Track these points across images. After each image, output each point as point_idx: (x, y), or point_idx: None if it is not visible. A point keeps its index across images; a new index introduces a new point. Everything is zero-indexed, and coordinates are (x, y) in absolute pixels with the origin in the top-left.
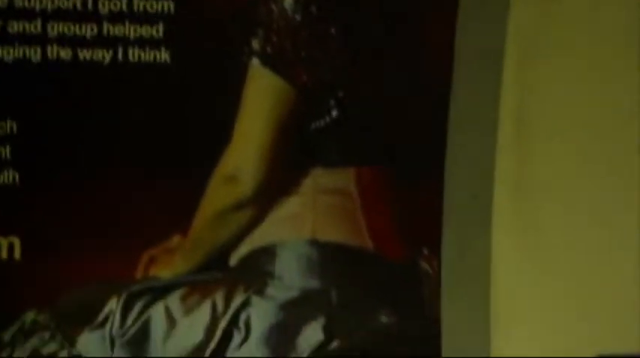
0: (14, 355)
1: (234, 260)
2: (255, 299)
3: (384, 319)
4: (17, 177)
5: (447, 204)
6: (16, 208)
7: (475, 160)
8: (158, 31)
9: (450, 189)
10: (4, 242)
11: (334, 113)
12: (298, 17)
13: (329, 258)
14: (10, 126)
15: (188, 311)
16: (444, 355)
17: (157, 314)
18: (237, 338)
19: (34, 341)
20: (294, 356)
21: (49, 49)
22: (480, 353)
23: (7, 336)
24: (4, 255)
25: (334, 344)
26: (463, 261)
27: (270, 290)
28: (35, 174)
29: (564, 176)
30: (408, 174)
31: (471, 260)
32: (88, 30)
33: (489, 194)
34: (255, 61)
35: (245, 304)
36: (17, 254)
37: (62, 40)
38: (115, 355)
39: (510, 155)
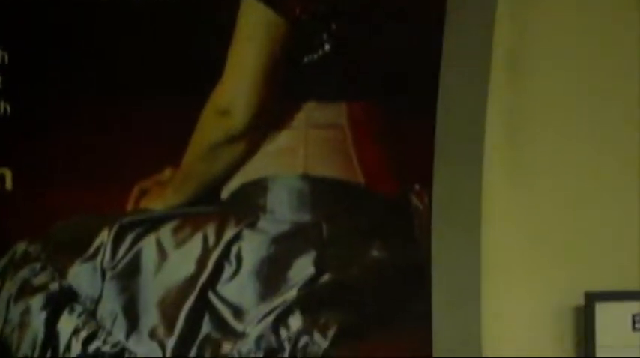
0: (4, 286)
1: (225, 193)
2: (247, 233)
3: (374, 253)
4: (9, 107)
5: (439, 141)
6: (8, 139)
7: (468, 98)
8: None
9: (441, 126)
10: None
11: (327, 47)
12: None
13: (320, 192)
14: (2, 56)
15: (179, 243)
16: (433, 289)
17: (149, 246)
18: (228, 270)
19: (24, 273)
20: (285, 289)
21: None
22: (470, 284)
23: None
24: None
25: (325, 277)
26: (454, 197)
27: (262, 224)
28: (27, 105)
29: (557, 114)
30: (400, 110)
31: (461, 196)
32: None
33: (481, 131)
34: None
35: (236, 237)
36: (9, 185)
37: None
38: (105, 286)
39: (503, 92)
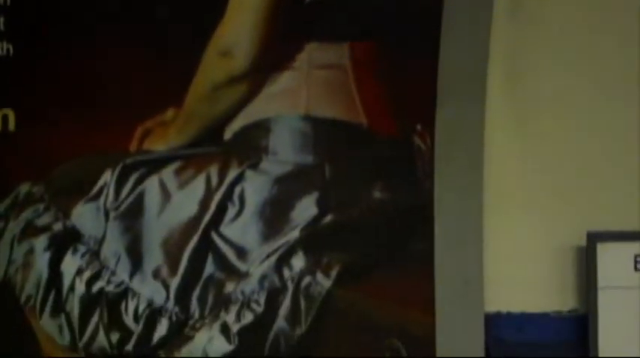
0: (8, 227)
1: (228, 134)
2: (250, 173)
3: (376, 194)
4: (11, 48)
5: (441, 81)
6: (11, 80)
7: (470, 37)
8: None
9: (444, 66)
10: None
11: None
12: None
13: (323, 133)
14: None
15: (182, 184)
16: (435, 229)
17: (152, 186)
18: (231, 211)
19: (28, 213)
20: (288, 229)
21: None
22: (471, 224)
23: (1, 208)
24: (1, 126)
25: (328, 218)
26: (456, 137)
27: (264, 165)
28: (29, 46)
29: (560, 52)
30: (402, 50)
31: (464, 136)
32: None
33: (484, 71)
34: None
35: (239, 178)
36: (11, 126)
37: None
38: (109, 227)
39: (506, 29)
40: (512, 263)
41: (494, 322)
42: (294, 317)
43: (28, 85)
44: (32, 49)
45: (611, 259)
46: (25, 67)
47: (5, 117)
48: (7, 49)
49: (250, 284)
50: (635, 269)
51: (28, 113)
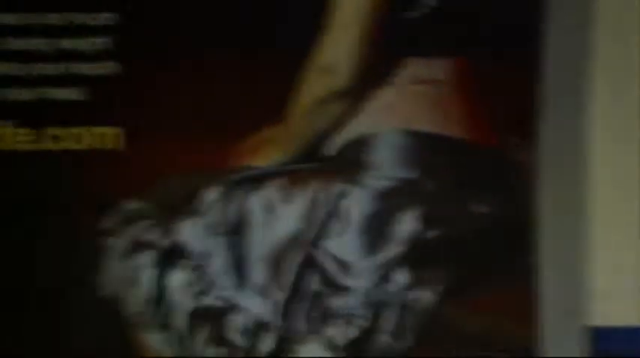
0: (115, 243)
1: (330, 150)
2: (352, 189)
3: (478, 208)
4: (120, 68)
5: (543, 95)
6: (120, 99)
7: (572, 54)
8: None
9: (546, 79)
10: (110, 131)
11: (430, 2)
12: None
13: (423, 147)
14: (113, 17)
15: (286, 200)
16: (539, 244)
17: (256, 202)
18: (335, 226)
19: (134, 230)
20: (391, 244)
21: None
22: (577, 238)
23: (108, 224)
24: (110, 143)
25: (431, 232)
26: (559, 150)
27: (367, 180)
28: (137, 65)
29: None
30: (500, 64)
31: (567, 150)
32: None
33: (586, 84)
34: None
35: (342, 193)
36: (121, 144)
37: None
38: (213, 244)
39: (607, 43)
40: (618, 275)
41: (600, 335)
42: (398, 331)
43: (137, 104)
44: (140, 69)
45: None
46: (134, 85)
47: (115, 136)
48: (117, 69)
49: (354, 299)
50: None
51: (136, 131)
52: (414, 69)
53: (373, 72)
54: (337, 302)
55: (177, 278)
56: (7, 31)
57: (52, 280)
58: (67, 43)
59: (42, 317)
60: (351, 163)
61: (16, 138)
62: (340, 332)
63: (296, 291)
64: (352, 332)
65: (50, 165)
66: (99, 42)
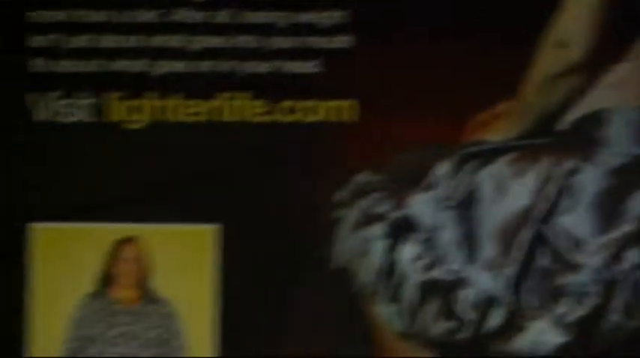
0: (347, 214)
1: (562, 125)
2: (584, 165)
3: None
4: (355, 40)
5: None
6: (356, 71)
7: None
8: None
9: None
10: (345, 104)
11: None
12: None
13: None
14: None
15: (516, 175)
16: None
17: (486, 177)
18: (565, 202)
19: (366, 202)
20: (623, 221)
21: None
22: None
23: (340, 196)
24: (345, 116)
25: None
26: None
27: (600, 157)
28: (372, 37)
29: None
30: None
31: None
32: None
33: None
34: None
35: (574, 169)
36: (356, 116)
37: None
38: (443, 217)
39: None
40: None
41: None
42: (629, 310)
43: (372, 77)
44: (375, 42)
45: None
46: (369, 59)
47: (351, 108)
48: (351, 41)
49: (584, 277)
50: None
51: (370, 103)
52: None
53: (607, 47)
54: (568, 279)
55: (408, 251)
56: (245, 5)
57: (287, 253)
58: (303, 17)
59: (275, 287)
60: (584, 139)
61: (253, 110)
62: (571, 310)
63: (526, 267)
64: (583, 310)
65: (282, 137)
66: (335, 15)
